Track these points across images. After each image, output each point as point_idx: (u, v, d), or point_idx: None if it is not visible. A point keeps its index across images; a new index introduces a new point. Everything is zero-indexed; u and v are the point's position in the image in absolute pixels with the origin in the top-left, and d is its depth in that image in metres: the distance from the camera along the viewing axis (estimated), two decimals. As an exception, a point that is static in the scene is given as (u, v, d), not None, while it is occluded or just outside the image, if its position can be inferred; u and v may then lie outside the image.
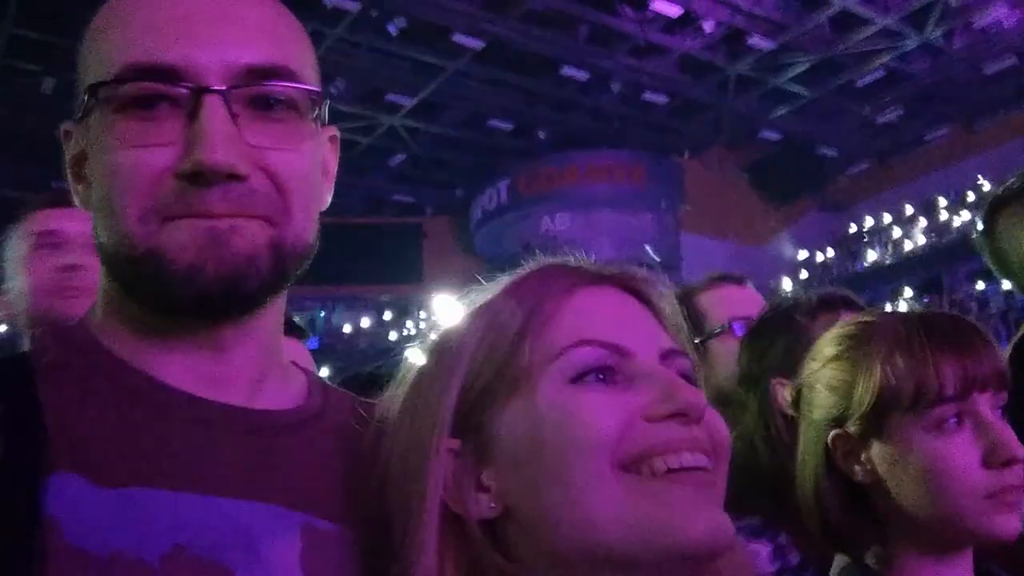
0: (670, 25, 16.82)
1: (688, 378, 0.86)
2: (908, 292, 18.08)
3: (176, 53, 0.81)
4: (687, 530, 0.76)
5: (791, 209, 23.02)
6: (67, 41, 14.57)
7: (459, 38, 16.23)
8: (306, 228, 0.89)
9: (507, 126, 20.49)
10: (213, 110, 0.81)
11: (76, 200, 0.92)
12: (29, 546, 0.73)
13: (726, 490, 0.83)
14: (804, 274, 21.78)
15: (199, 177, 0.80)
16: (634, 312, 0.89)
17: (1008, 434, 1.25)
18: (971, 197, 19.83)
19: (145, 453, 0.82)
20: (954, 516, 1.24)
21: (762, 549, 1.52)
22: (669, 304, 0.93)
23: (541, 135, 21.53)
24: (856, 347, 1.34)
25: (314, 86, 0.89)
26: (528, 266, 0.93)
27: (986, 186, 19.38)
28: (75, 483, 0.78)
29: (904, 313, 1.37)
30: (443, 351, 0.90)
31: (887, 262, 20.63)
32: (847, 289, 1.89)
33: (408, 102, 18.27)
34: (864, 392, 1.29)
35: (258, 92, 0.84)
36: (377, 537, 0.86)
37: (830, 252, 22.56)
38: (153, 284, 0.83)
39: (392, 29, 15.63)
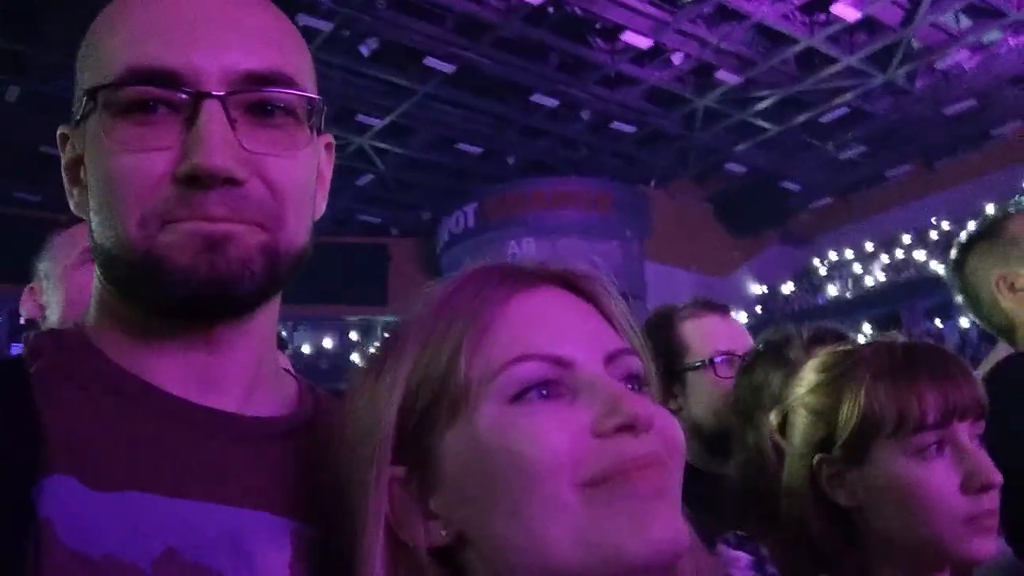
0: (640, 56, 17.03)
1: (637, 377, 0.83)
2: (867, 327, 18.34)
3: (176, 57, 0.81)
4: (648, 542, 0.74)
5: (754, 241, 23.31)
6: (33, 50, 14.42)
7: (431, 61, 16.30)
8: (299, 234, 0.89)
9: (476, 150, 20.56)
10: (211, 115, 0.81)
11: (71, 204, 0.92)
12: (22, 547, 0.72)
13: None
14: (759, 308, 22.02)
15: (196, 181, 0.81)
16: (576, 314, 0.84)
17: (986, 461, 1.29)
18: (931, 235, 20.22)
19: (139, 458, 0.82)
20: (934, 539, 1.28)
21: (743, 557, 1.55)
22: (613, 299, 0.88)
23: (509, 160, 21.63)
24: (841, 374, 1.38)
25: (312, 93, 0.89)
26: (463, 270, 0.88)
27: (945, 225, 19.80)
28: (69, 486, 0.78)
29: (888, 342, 1.40)
30: (379, 372, 0.85)
31: (847, 296, 20.93)
32: (825, 322, 1.92)
33: (378, 123, 18.29)
34: (848, 417, 1.33)
35: (257, 98, 0.84)
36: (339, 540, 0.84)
37: (791, 285, 22.83)
38: (149, 286, 0.84)
39: (364, 50, 15.66)
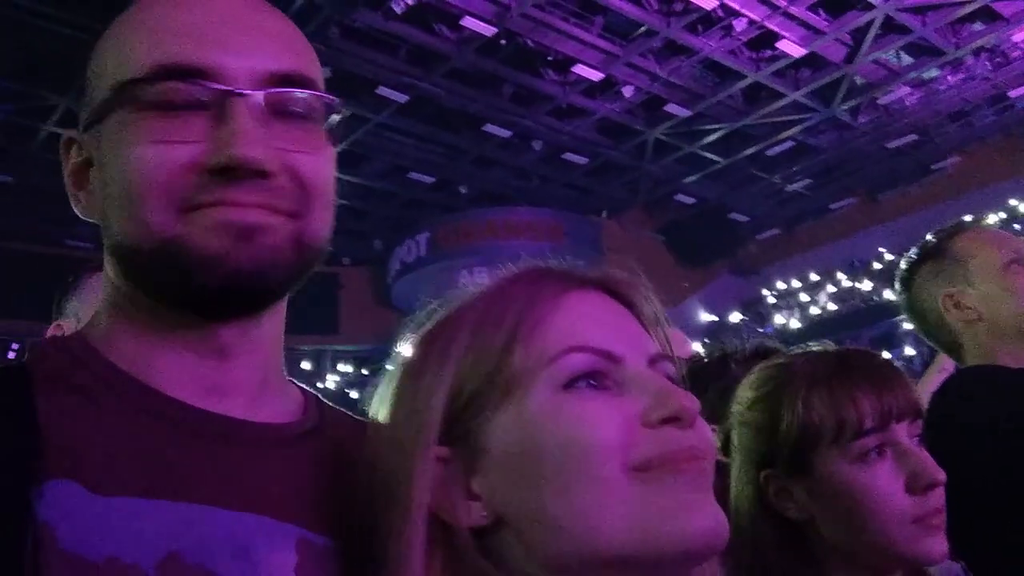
0: (591, 89, 17.22)
1: (674, 382, 0.86)
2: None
3: (206, 56, 0.83)
4: (693, 524, 0.77)
5: (704, 271, 23.56)
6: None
7: (384, 91, 16.30)
8: (323, 227, 0.91)
9: (428, 180, 20.55)
10: (242, 111, 0.83)
11: (78, 209, 0.92)
12: (20, 551, 0.72)
13: None
14: (697, 344, 22.21)
15: (230, 172, 0.82)
16: (620, 317, 0.89)
17: (928, 460, 1.29)
18: (875, 265, 20.63)
19: (142, 462, 0.81)
20: (884, 544, 1.27)
21: None
22: (652, 307, 0.93)
23: (462, 190, 21.65)
24: (776, 387, 1.38)
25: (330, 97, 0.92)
26: (510, 267, 0.92)
27: (888, 255, 20.22)
28: (71, 490, 0.77)
29: (819, 351, 1.42)
30: (429, 355, 0.88)
31: (794, 326, 21.23)
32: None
33: (330, 152, 18.22)
34: (788, 430, 1.33)
35: (283, 98, 0.87)
36: (362, 549, 0.85)
37: (739, 315, 23.10)
38: (174, 273, 0.84)
39: (316, 79, 15.64)
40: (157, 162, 0.83)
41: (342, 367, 22.24)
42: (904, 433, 1.31)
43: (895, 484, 1.28)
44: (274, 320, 0.94)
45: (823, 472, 1.31)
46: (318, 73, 0.93)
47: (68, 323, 2.04)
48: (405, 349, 0.92)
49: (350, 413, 1.04)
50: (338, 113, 0.93)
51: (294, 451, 0.91)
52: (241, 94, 0.84)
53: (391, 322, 23.68)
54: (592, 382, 0.82)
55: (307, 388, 1.04)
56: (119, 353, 0.89)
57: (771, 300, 23.18)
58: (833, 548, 1.32)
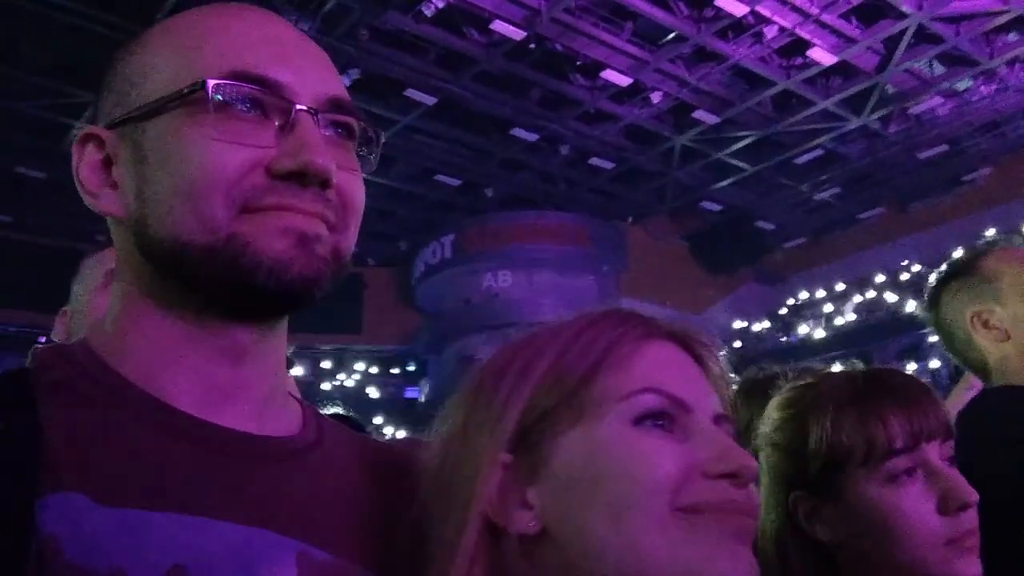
0: (619, 94, 17.22)
1: (735, 442, 0.90)
2: (838, 367, 18.42)
3: (279, 71, 0.88)
4: (727, 570, 0.82)
5: (729, 279, 23.49)
6: (9, 71, 14.37)
7: (412, 93, 16.40)
8: (353, 244, 0.94)
9: (455, 182, 20.64)
10: (311, 125, 0.87)
11: (92, 203, 0.92)
12: (22, 563, 0.72)
13: None
14: (738, 344, 22.12)
15: (300, 177, 0.86)
16: (693, 371, 0.94)
17: (960, 480, 1.27)
18: (903, 276, 20.46)
19: (148, 474, 0.82)
20: (916, 566, 1.25)
21: None
22: (722, 370, 0.98)
23: (488, 193, 21.72)
24: (804, 408, 1.36)
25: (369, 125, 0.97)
26: (601, 308, 0.98)
27: (916, 267, 20.05)
28: (76, 501, 0.78)
29: (848, 372, 1.41)
30: (508, 370, 0.93)
31: (818, 336, 21.09)
32: (784, 361, 1.93)
33: (357, 153, 18.33)
34: (816, 451, 1.31)
35: (338, 120, 0.92)
36: (397, 556, 0.89)
37: (765, 323, 22.98)
38: (233, 271, 0.85)
39: (346, 80, 15.72)
40: (223, 160, 0.85)
41: (362, 366, 22.34)
42: (935, 453, 1.29)
43: (926, 505, 1.26)
44: (282, 330, 0.96)
45: (853, 493, 1.29)
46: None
47: (71, 309, 2.05)
48: (484, 360, 0.98)
49: (346, 427, 1.06)
50: (374, 141, 0.98)
51: (295, 465, 0.92)
52: (308, 109, 0.88)
53: (414, 323, 23.79)
54: (660, 423, 0.87)
55: (304, 401, 1.05)
56: (126, 361, 0.89)
57: (796, 309, 23.03)
58: (864, 571, 1.30)
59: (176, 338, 0.89)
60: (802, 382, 1.43)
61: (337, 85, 0.93)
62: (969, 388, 2.76)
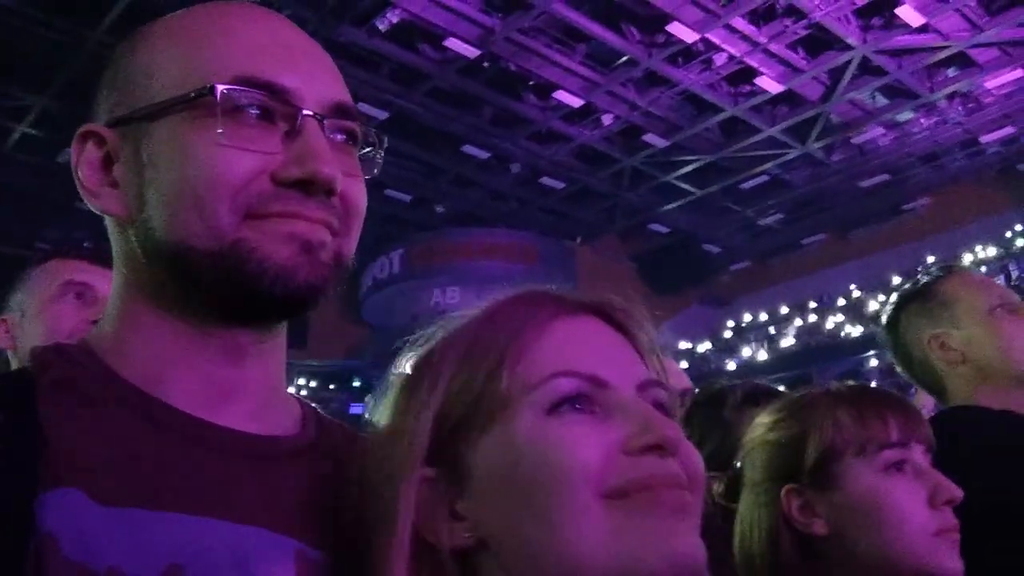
0: (571, 115, 17.36)
1: (664, 407, 0.86)
2: (781, 388, 18.70)
3: (285, 77, 0.87)
4: (668, 556, 0.77)
5: (675, 300, 23.73)
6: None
7: (364, 107, 16.33)
8: (352, 251, 0.94)
9: (405, 197, 20.58)
10: (318, 132, 0.87)
11: (92, 202, 0.91)
12: (21, 560, 0.72)
13: None
14: (684, 364, 22.34)
15: (308, 185, 0.85)
16: (611, 342, 0.89)
17: (945, 478, 1.34)
18: (842, 302, 20.88)
19: (147, 473, 0.81)
20: (907, 555, 1.31)
21: None
22: (646, 333, 0.93)
23: (439, 209, 21.70)
24: (802, 407, 1.43)
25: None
26: (505, 291, 0.93)
27: (856, 292, 20.48)
28: (75, 499, 0.77)
29: (840, 384, 1.49)
30: (420, 377, 0.89)
31: (761, 358, 21.40)
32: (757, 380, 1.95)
33: (307, 165, 18.19)
34: (816, 442, 1.38)
35: (343, 125, 0.92)
36: (351, 566, 0.85)
37: (709, 344, 23.25)
38: (237, 276, 0.84)
39: (297, 92, 15.65)
40: (230, 166, 0.84)
41: (307, 382, 22.10)
42: (921, 455, 1.37)
43: (918, 497, 1.33)
44: (282, 332, 0.96)
45: (848, 482, 1.36)
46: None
47: (12, 316, 2.02)
48: (402, 367, 0.94)
49: (346, 426, 1.05)
50: (375, 145, 0.98)
51: (293, 465, 0.92)
52: (315, 116, 0.87)
53: (359, 338, 23.60)
54: (578, 406, 0.82)
55: (306, 402, 1.05)
56: (125, 361, 0.89)
57: (740, 331, 23.36)
58: (851, 564, 1.35)
59: (176, 339, 0.89)
60: (795, 393, 1.51)
61: (342, 90, 0.93)
62: (921, 407, 2.82)
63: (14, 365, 1.98)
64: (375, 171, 0.98)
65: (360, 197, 0.93)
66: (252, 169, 0.85)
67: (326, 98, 0.89)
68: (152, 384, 0.87)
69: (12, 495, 0.75)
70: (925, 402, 2.76)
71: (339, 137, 0.92)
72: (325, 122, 0.88)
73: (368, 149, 0.97)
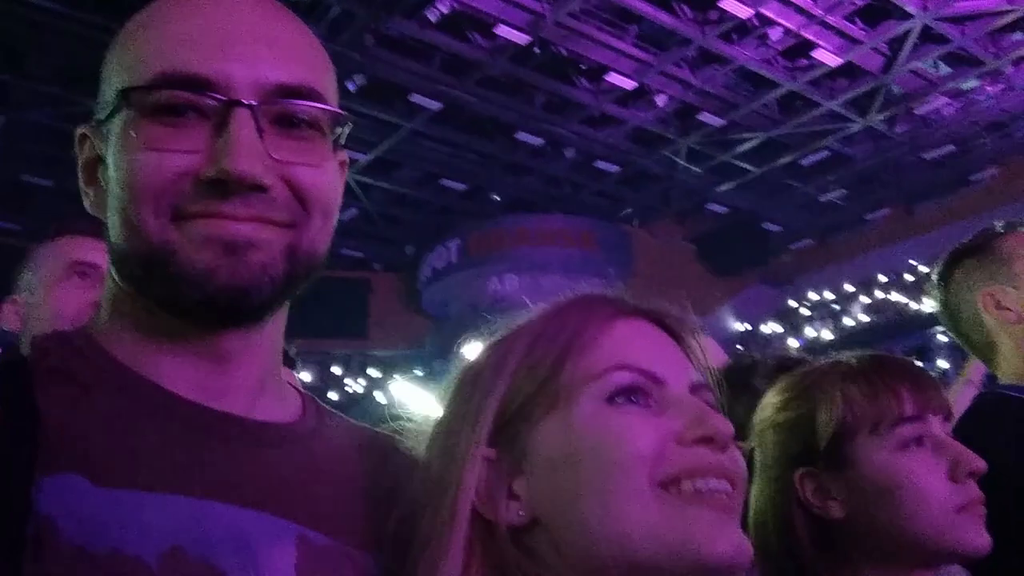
0: (624, 97, 17.19)
1: (714, 410, 0.91)
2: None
3: (210, 66, 0.84)
4: (713, 546, 0.82)
5: (735, 281, 23.40)
6: (15, 80, 14.41)
7: (417, 98, 16.38)
8: (321, 239, 0.91)
9: (460, 187, 20.61)
10: (241, 122, 0.83)
11: (87, 204, 0.94)
12: (21, 544, 0.72)
13: None
14: (740, 347, 22.03)
15: (222, 185, 0.82)
16: (666, 345, 0.95)
17: (967, 449, 1.28)
18: (908, 277, 20.38)
19: (145, 457, 0.82)
20: (928, 534, 1.24)
21: None
22: (697, 342, 0.99)
23: (494, 197, 21.69)
24: (811, 384, 1.37)
25: (336, 108, 0.92)
26: (569, 294, 0.99)
27: (922, 268, 19.97)
28: (74, 483, 0.78)
29: (850, 354, 1.42)
30: (486, 364, 0.95)
31: (827, 337, 21.01)
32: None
33: (363, 158, 18.33)
34: (827, 422, 1.31)
35: (285, 110, 0.87)
36: (397, 545, 0.89)
37: (772, 325, 22.90)
38: (164, 281, 0.84)
39: (351, 86, 15.74)
40: (152, 168, 0.83)
41: (371, 371, 22.32)
42: (939, 426, 1.30)
43: (937, 472, 1.26)
44: (275, 325, 0.95)
45: (863, 462, 1.29)
46: (329, 84, 0.93)
47: (21, 297, 2.02)
48: (466, 356, 1.00)
49: (347, 417, 1.06)
50: (344, 125, 0.92)
51: (293, 450, 0.92)
52: (242, 104, 0.83)
53: (420, 327, 23.75)
54: (633, 398, 0.88)
55: (305, 391, 1.05)
56: (121, 349, 0.89)
57: (804, 311, 22.95)
58: (870, 546, 1.29)
59: (161, 335, 0.89)
60: (802, 368, 1.43)
61: (296, 70, 0.87)
62: (968, 383, 2.72)
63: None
64: (340, 158, 0.94)
65: (316, 182, 0.88)
66: (174, 171, 0.83)
67: (266, 81, 0.85)
68: (149, 370, 0.88)
69: (11, 480, 0.75)
70: (973, 377, 2.66)
71: (284, 123, 0.87)
72: (260, 108, 0.84)
73: (339, 130, 0.92)
